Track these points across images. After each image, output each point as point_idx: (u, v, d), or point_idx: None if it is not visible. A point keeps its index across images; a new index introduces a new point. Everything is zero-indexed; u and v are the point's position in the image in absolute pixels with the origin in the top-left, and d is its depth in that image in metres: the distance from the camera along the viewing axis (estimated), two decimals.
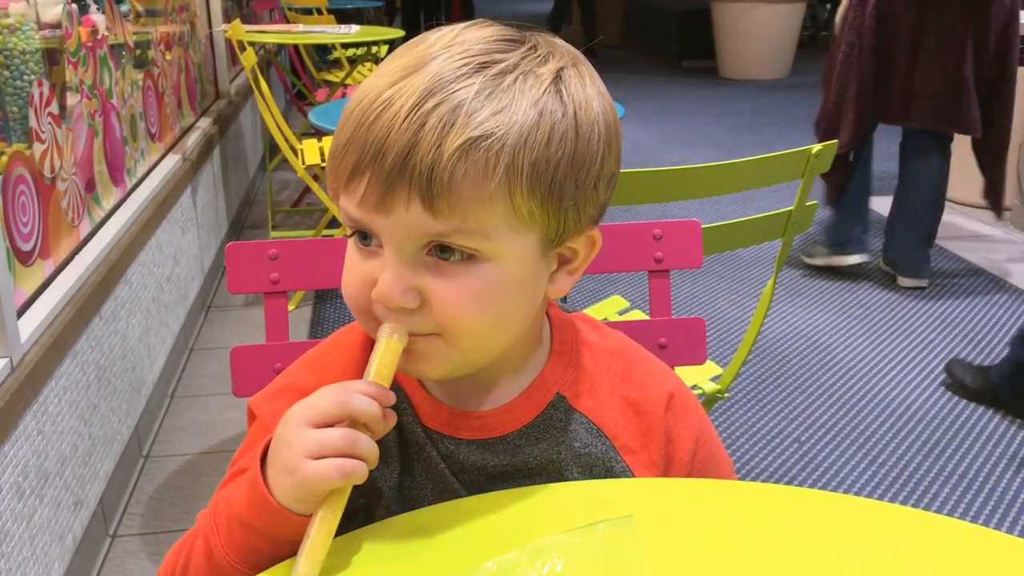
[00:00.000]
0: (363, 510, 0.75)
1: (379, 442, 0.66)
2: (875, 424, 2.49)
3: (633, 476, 0.76)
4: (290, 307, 3.22)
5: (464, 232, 0.65)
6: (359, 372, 0.69)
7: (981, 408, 2.56)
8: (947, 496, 2.19)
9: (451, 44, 0.67)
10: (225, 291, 3.35)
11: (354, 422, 0.65)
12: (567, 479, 0.75)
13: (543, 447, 0.75)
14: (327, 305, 3.24)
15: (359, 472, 0.64)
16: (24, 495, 1.63)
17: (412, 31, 7.86)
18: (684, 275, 3.45)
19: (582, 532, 0.54)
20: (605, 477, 0.76)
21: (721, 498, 0.76)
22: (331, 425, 0.64)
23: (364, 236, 0.69)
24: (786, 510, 0.74)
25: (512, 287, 0.69)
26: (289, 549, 0.66)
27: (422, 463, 0.75)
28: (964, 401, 2.60)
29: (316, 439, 0.63)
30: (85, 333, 1.98)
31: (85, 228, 2.17)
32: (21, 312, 1.74)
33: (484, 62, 0.66)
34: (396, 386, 0.73)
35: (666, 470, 0.78)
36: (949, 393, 2.64)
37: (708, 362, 1.83)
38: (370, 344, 0.72)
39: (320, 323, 3.09)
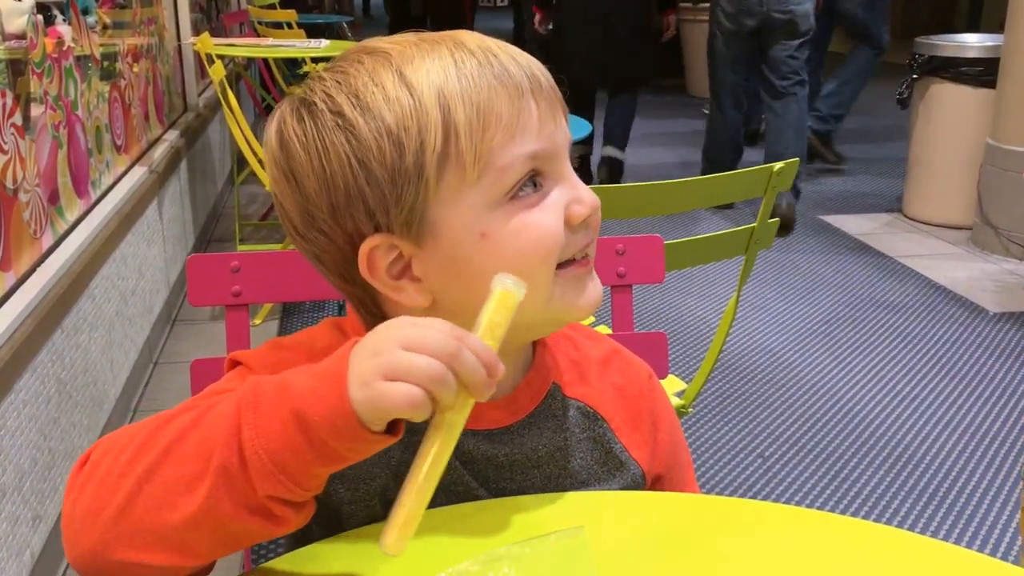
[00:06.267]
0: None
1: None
2: (837, 440, 2.52)
3: (630, 456, 0.81)
4: (256, 321, 3.22)
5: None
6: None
7: (943, 424, 2.59)
8: (907, 511, 2.21)
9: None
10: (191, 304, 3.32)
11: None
12: (572, 465, 0.78)
13: (547, 436, 0.78)
14: (294, 319, 3.23)
15: (426, 409, 0.58)
16: None
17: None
18: (649, 290, 3.47)
19: (533, 543, 0.55)
20: (605, 459, 0.80)
21: (674, 510, 0.76)
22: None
23: (533, 185, 0.72)
24: (740, 523, 0.74)
25: None
26: (319, 482, 0.61)
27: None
28: (926, 417, 2.63)
29: (404, 362, 0.57)
30: (46, 346, 1.96)
31: (47, 240, 2.15)
32: None
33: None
34: None
35: (653, 449, 0.84)
36: (911, 409, 2.68)
37: (672, 377, 1.84)
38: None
39: None
